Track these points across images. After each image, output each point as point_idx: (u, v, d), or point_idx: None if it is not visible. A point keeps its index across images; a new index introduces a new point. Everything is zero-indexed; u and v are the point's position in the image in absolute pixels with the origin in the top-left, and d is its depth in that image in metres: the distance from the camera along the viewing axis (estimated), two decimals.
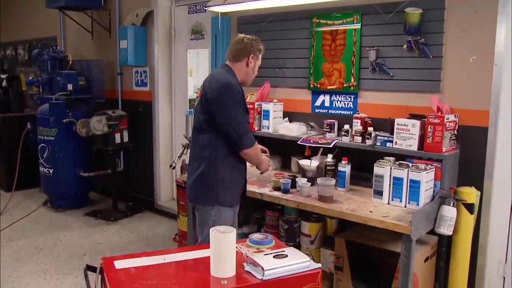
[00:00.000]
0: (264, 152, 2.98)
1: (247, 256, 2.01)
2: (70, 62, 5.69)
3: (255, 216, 3.97)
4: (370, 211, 2.85)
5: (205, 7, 3.83)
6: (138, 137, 5.49)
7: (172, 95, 5.37)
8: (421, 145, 3.02)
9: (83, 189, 5.62)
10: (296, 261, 1.94)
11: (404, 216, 2.74)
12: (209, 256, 1.91)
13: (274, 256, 1.96)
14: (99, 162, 5.59)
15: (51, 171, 5.33)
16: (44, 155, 5.33)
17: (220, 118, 2.62)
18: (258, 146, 2.85)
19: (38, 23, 7.19)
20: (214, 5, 3.69)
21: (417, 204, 2.86)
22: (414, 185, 2.87)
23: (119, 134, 5.16)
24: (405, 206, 2.91)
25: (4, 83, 6.94)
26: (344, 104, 3.71)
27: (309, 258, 1.98)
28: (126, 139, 5.25)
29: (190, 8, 5.00)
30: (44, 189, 5.59)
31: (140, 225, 5.07)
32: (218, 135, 2.67)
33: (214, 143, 2.69)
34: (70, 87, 5.34)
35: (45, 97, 5.46)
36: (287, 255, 1.98)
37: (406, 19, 3.22)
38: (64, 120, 5.16)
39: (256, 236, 2.24)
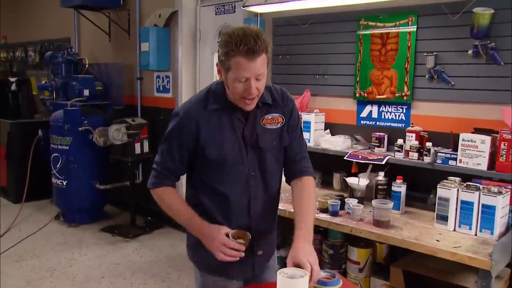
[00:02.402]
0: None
1: None
2: (87, 65, 5.33)
3: (292, 238, 3.59)
4: (437, 240, 2.51)
5: (243, 7, 3.46)
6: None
7: None
8: (491, 164, 2.68)
9: (98, 202, 5.25)
10: None
11: (479, 247, 2.39)
12: None
13: None
14: (116, 173, 5.22)
15: (64, 182, 4.96)
16: (57, 166, 4.97)
17: None
18: (171, 197, 1.91)
19: (50, 23, 6.82)
20: (254, 5, 3.32)
21: (491, 233, 2.51)
22: (488, 211, 2.52)
23: (139, 144, 4.79)
24: (476, 235, 2.56)
25: (13, 87, 6.54)
26: (395, 115, 3.34)
27: None
28: (146, 149, 4.88)
29: (217, 8, 4.65)
30: (56, 202, 5.22)
31: (161, 242, 4.69)
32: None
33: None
34: (86, 92, 4.99)
35: (59, 103, 5.10)
36: None
37: (474, 20, 2.85)
38: (80, 128, 4.81)
39: (320, 274, 1.88)
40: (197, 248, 1.90)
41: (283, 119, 1.91)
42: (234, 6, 4.35)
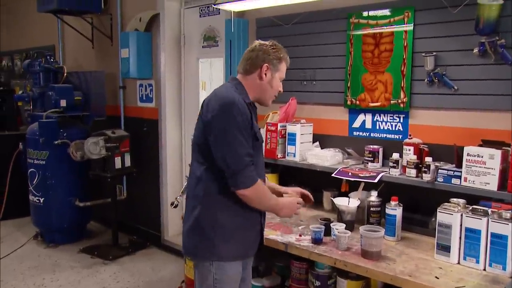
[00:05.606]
0: (303, 196, 2.48)
1: None
2: (65, 74, 5.01)
3: (278, 265, 3.19)
4: (436, 277, 2.12)
5: (215, 5, 3.08)
6: (142, 161, 4.77)
7: (181, 112, 4.64)
8: (502, 184, 2.30)
9: (79, 220, 4.90)
10: None
11: (487, 287, 2.00)
12: None
13: None
14: (98, 189, 4.90)
15: (41, 200, 4.64)
16: (34, 182, 4.65)
17: (214, 146, 2.07)
18: (264, 186, 2.19)
19: (35, 31, 6.55)
20: (226, 2, 2.94)
21: (503, 268, 2.12)
22: (498, 242, 2.13)
23: (119, 157, 4.43)
24: (484, 269, 2.18)
25: None
26: (391, 125, 2.94)
27: None
28: (128, 163, 4.52)
29: (201, 10, 4.29)
30: (34, 221, 4.88)
31: (143, 265, 4.31)
32: (214, 168, 2.10)
33: (209, 179, 2.13)
34: (63, 103, 4.65)
35: (36, 114, 4.80)
36: None
37: (479, 13, 2.45)
38: (56, 142, 4.48)
39: None
40: (230, 241, 2.15)
41: None
42: (214, 3, 3.99)
